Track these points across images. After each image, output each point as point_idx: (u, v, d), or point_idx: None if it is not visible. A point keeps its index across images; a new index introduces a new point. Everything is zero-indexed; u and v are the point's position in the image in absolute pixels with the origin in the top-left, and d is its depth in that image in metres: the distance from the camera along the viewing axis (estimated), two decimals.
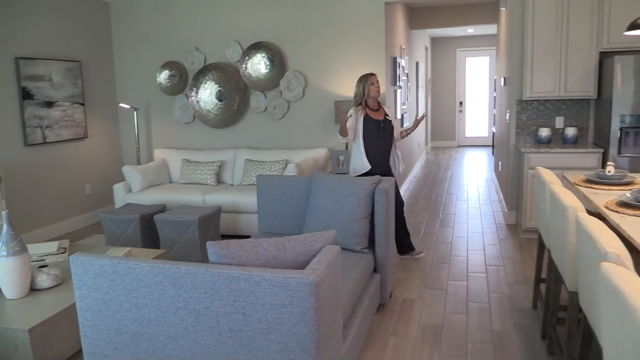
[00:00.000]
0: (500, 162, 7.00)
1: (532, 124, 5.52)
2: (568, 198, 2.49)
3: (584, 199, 2.99)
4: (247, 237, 5.30)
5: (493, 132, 11.31)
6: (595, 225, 2.02)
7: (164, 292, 1.94)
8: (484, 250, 4.88)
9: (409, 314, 3.61)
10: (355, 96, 4.42)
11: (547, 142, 5.31)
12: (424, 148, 11.30)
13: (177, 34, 6.30)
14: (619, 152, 4.75)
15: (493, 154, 11.07)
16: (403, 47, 7.22)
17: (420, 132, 10.00)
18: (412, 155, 8.74)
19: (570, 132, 5.29)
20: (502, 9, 6.41)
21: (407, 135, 4.77)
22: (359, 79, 4.41)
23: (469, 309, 3.64)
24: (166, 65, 6.29)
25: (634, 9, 4.84)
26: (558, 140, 5.45)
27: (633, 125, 4.69)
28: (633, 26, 3.21)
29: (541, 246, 3.53)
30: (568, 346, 2.47)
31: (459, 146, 13.10)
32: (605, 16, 4.91)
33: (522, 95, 5.27)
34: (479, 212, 6.35)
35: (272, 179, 3.86)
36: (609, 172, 3.11)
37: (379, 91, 4.39)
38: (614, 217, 2.40)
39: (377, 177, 3.55)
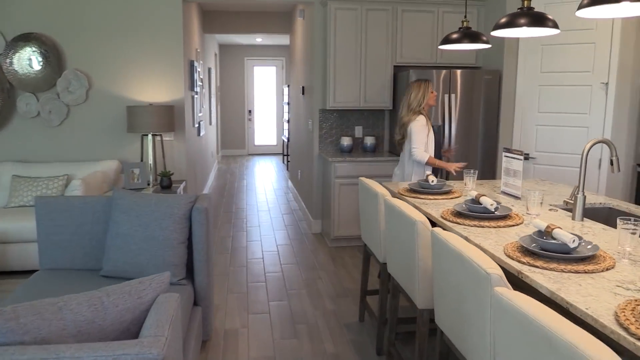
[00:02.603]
0: (299, 171, 7.01)
1: (335, 133, 5.59)
2: (414, 212, 2.39)
3: (415, 210, 2.96)
4: (23, 272, 4.23)
5: (284, 141, 11.51)
6: (457, 242, 1.91)
7: None
8: (297, 263, 4.72)
9: (235, 347, 3.18)
10: (411, 104, 3.93)
11: (349, 151, 5.42)
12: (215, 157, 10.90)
13: None
14: None
15: (284, 162, 11.25)
16: (199, 50, 6.73)
17: (212, 141, 9.57)
18: (206, 164, 8.27)
19: (370, 141, 5.49)
20: (299, 18, 6.42)
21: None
22: (415, 84, 3.95)
23: (298, 332, 3.38)
24: None
25: (423, 28, 5.23)
26: (358, 148, 5.61)
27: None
28: (446, 40, 3.36)
29: (367, 259, 3.46)
30: None
31: (249, 154, 13.04)
32: (398, 33, 5.21)
33: (326, 104, 5.29)
34: (283, 223, 6.22)
35: (57, 201, 3.05)
36: (432, 181, 3.17)
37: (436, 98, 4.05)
38: (459, 229, 2.37)
39: (194, 195, 3.05)
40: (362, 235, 3.41)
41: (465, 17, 3.45)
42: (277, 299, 3.92)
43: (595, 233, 2.32)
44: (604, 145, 4.55)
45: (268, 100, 12.95)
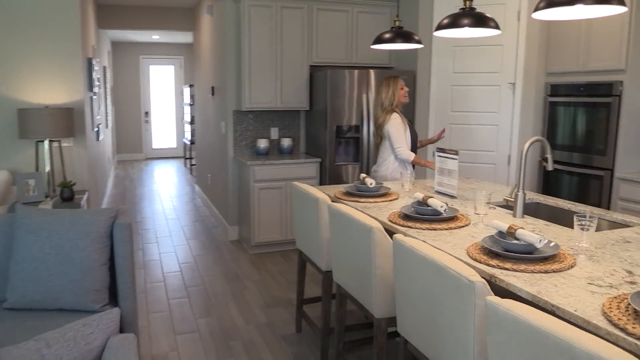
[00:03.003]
0: (209, 175, 6.68)
1: (250, 135, 5.37)
2: (366, 218, 2.28)
3: (366, 215, 2.85)
4: None
5: (185, 143, 10.99)
6: (426, 249, 1.83)
7: None
8: (219, 274, 4.44)
9: None
10: (383, 103, 3.85)
11: (266, 154, 5.24)
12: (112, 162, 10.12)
13: None
14: (335, 162, 5.00)
15: (187, 166, 10.74)
16: (95, 47, 6.15)
17: (109, 145, 8.87)
18: (105, 171, 7.62)
19: (286, 142, 5.34)
20: (206, 15, 6.09)
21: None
22: (384, 83, 3.84)
23: (233, 350, 3.14)
24: None
25: (338, 27, 5.18)
26: (274, 151, 5.44)
27: (345, 136, 5.00)
28: (378, 40, 3.29)
29: (302, 266, 3.31)
30: None
31: (147, 159, 12.30)
32: (313, 32, 5.11)
33: (241, 105, 5.05)
34: (195, 231, 5.88)
35: None
36: (371, 184, 3.09)
37: (407, 95, 3.89)
38: (412, 233, 2.30)
39: (114, 208, 2.71)
40: (297, 243, 3.26)
41: (398, 16, 3.43)
42: (203, 314, 3.64)
43: (541, 229, 2.37)
44: (512, 142, 4.81)
45: (166, 101, 12.30)
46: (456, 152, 3.04)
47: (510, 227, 1.98)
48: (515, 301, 1.42)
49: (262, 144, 5.22)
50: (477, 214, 2.47)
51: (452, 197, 3.07)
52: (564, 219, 2.83)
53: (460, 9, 2.52)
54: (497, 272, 1.80)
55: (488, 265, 1.86)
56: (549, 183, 4.70)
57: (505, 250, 1.95)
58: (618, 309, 1.47)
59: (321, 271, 2.91)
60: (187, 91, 10.34)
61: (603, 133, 4.12)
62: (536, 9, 1.94)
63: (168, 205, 7.27)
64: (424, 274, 1.82)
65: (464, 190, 3.29)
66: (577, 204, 2.96)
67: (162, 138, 12.45)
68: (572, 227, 2.17)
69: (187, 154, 10.70)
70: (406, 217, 2.55)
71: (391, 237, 2.12)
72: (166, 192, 8.27)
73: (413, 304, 1.94)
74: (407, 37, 3.26)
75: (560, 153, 4.55)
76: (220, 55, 5.57)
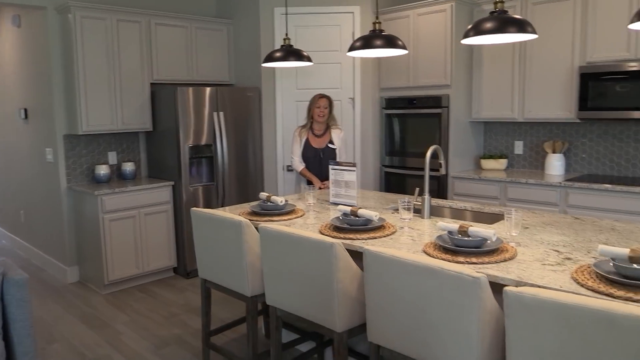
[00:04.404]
0: (22, 212, 5.69)
1: (85, 162, 4.77)
2: (321, 236, 2.30)
3: (316, 233, 2.81)
4: None
5: None
6: (409, 256, 1.96)
7: None
8: (81, 322, 3.86)
9: None
10: (307, 115, 4.13)
11: (107, 181, 4.73)
12: None
13: None
14: (190, 184, 4.77)
15: None
16: None
17: None
18: None
19: (128, 167, 4.90)
20: (11, 25, 5.17)
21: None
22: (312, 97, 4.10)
23: None
24: None
25: (177, 43, 4.95)
26: (115, 177, 4.94)
27: (198, 156, 4.81)
28: (269, 58, 3.27)
29: (207, 297, 3.11)
30: None
31: None
32: (153, 48, 4.80)
33: (77, 129, 4.47)
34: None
35: None
36: (281, 202, 3.06)
37: (323, 116, 4.01)
38: (358, 244, 2.39)
39: None
40: (201, 272, 3.05)
41: (287, 35, 3.46)
42: None
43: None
44: (355, 151, 5.24)
45: None
46: (353, 165, 3.23)
47: (461, 226, 2.23)
48: (533, 287, 1.64)
49: (103, 170, 4.70)
50: (403, 219, 2.68)
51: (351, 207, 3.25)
52: (461, 217, 3.24)
53: (371, 30, 2.71)
54: (467, 269, 2.02)
55: (457, 262, 2.07)
56: (390, 184, 5.24)
57: (457, 245, 2.19)
58: (584, 275, 1.81)
59: (244, 297, 2.80)
60: None
61: (436, 139, 4.78)
62: (465, 37, 2.23)
63: None
64: (412, 279, 1.93)
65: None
66: (465, 203, 3.41)
67: None
68: (479, 221, 2.53)
69: None
70: (338, 229, 2.63)
71: None
72: None
73: (393, 310, 2.03)
74: (298, 56, 3.33)
75: (400, 158, 5.12)
76: (37, 73, 4.82)
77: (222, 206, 4.86)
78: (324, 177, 4.03)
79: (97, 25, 4.45)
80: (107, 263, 4.38)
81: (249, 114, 5.11)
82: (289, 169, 5.18)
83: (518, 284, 1.86)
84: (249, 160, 5.16)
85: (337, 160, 4.08)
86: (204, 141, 4.81)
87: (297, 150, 4.08)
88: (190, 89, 4.67)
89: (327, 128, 4.17)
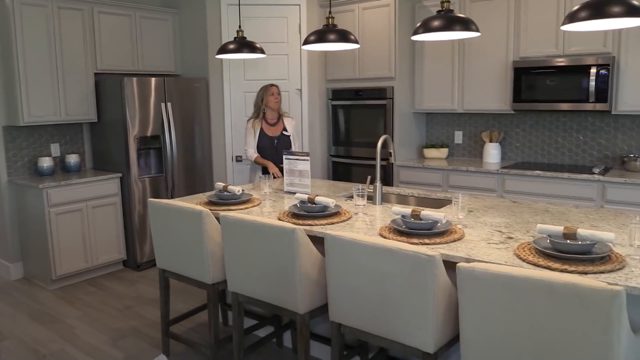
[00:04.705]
0: None
1: (26, 154, 4.61)
2: (282, 223, 2.41)
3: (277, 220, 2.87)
4: None
5: None
6: (372, 239, 2.10)
7: None
8: (30, 320, 3.76)
9: None
10: (254, 106, 4.21)
11: (51, 174, 4.60)
12: None
13: None
14: (139, 175, 4.72)
15: None
16: None
17: None
18: None
19: (72, 159, 4.78)
20: None
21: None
22: (260, 88, 4.17)
23: None
24: None
25: (121, 32, 4.86)
26: (59, 169, 4.80)
27: (147, 147, 4.77)
28: (223, 50, 3.30)
29: (166, 287, 3.14)
30: None
31: None
32: (97, 36, 4.69)
33: (17, 120, 4.31)
34: None
35: None
36: (239, 191, 3.13)
37: (278, 102, 4.13)
38: (317, 229, 2.52)
39: None
40: (159, 263, 3.08)
41: (240, 27, 3.49)
42: None
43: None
44: (303, 141, 5.35)
45: None
46: (307, 154, 3.34)
47: (413, 210, 2.40)
48: (482, 262, 1.82)
49: (46, 162, 4.56)
50: (357, 205, 2.83)
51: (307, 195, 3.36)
52: (409, 202, 3.43)
53: (324, 25, 2.81)
54: (422, 249, 2.19)
55: (412, 243, 2.23)
56: (337, 173, 5.40)
57: (411, 228, 2.36)
58: (525, 251, 2.02)
59: (205, 285, 2.86)
60: None
61: (381, 130, 4.98)
62: (414, 34, 2.38)
63: None
64: (372, 260, 2.08)
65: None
66: (412, 190, 3.61)
67: None
68: (425, 207, 2.72)
69: None
70: (297, 215, 2.74)
71: None
72: None
73: (354, 290, 2.17)
74: (251, 48, 3.39)
75: (346, 148, 5.29)
76: None
77: (171, 197, 4.85)
78: (280, 163, 4.13)
79: (38, 13, 4.30)
80: (55, 258, 4.28)
81: (196, 105, 5.11)
82: (239, 159, 5.23)
83: (468, 261, 2.04)
84: (198, 151, 5.16)
85: (293, 147, 4.22)
86: (152, 132, 4.77)
87: (252, 142, 4.14)
88: (137, 79, 4.61)
89: (280, 116, 4.26)
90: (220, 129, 5.23)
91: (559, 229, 2.04)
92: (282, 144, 4.17)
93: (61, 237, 4.31)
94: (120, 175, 4.70)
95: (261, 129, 4.18)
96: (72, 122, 4.67)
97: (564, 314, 1.62)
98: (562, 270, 1.85)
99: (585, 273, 1.83)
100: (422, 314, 1.99)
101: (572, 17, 2.14)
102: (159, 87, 4.77)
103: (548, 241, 2.06)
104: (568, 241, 2.00)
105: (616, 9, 2.02)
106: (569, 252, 1.95)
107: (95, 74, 4.75)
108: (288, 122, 4.30)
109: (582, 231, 2.00)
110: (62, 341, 3.42)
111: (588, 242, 1.98)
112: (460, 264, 1.83)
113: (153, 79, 4.72)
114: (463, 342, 1.88)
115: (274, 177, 4.05)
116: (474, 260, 2.03)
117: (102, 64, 4.77)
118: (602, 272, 1.83)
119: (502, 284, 1.72)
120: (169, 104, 4.85)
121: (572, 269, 1.86)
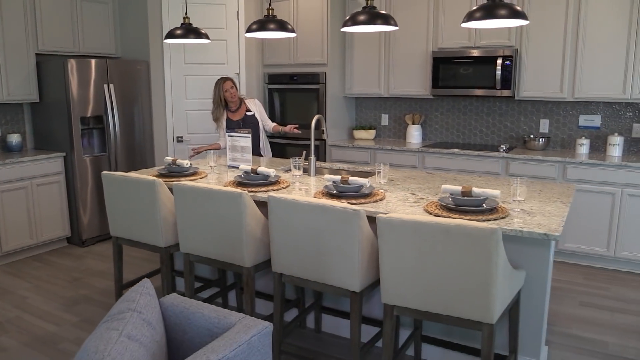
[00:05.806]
0: None
1: None
2: (231, 189, 2.76)
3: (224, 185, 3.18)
4: None
5: None
6: (306, 199, 2.51)
7: None
8: None
9: None
10: (213, 103, 4.44)
11: None
12: None
13: None
14: (82, 154, 4.87)
15: None
16: None
17: None
18: None
19: (14, 139, 4.86)
20: None
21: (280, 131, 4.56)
22: (215, 84, 4.40)
23: (71, 351, 3.07)
24: None
25: (63, 12, 4.95)
26: (0, 149, 4.87)
27: (90, 127, 4.92)
28: (170, 35, 3.54)
29: (119, 252, 3.41)
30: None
31: None
32: (37, 18, 4.77)
33: None
34: None
35: None
36: (187, 164, 3.43)
37: (235, 95, 4.37)
38: (261, 195, 2.89)
39: None
40: (112, 231, 3.34)
41: (186, 14, 3.74)
42: (1, 333, 3.30)
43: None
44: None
45: None
46: (249, 132, 3.69)
47: (342, 177, 2.82)
48: (396, 213, 2.27)
49: None
50: (294, 175, 3.22)
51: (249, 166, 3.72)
52: (340, 174, 3.85)
53: (265, 15, 3.16)
54: (349, 206, 2.62)
55: (341, 203, 2.66)
56: (272, 152, 5.76)
57: (342, 192, 2.78)
58: (432, 208, 2.50)
59: (158, 248, 3.17)
60: None
61: (314, 112, 5.38)
62: (343, 26, 2.79)
63: None
64: (309, 216, 2.48)
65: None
66: (342, 164, 4.03)
67: None
68: (359, 177, 3.16)
69: None
70: (241, 184, 3.10)
71: None
72: None
73: (293, 243, 2.57)
74: (197, 33, 3.67)
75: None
76: None
77: None
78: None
79: None
80: (0, 234, 4.39)
81: (138, 87, 5.29)
82: (179, 139, 5.48)
83: (388, 215, 2.50)
84: (139, 131, 5.35)
85: (260, 123, 4.53)
86: (95, 113, 4.93)
87: (223, 133, 4.40)
88: (79, 60, 4.74)
89: (241, 101, 4.52)
90: (162, 110, 5.44)
91: (458, 188, 2.53)
92: (247, 124, 4.44)
93: (6, 214, 4.42)
94: (64, 154, 4.83)
95: (227, 118, 4.46)
96: (13, 102, 4.74)
97: (457, 249, 2.09)
98: (458, 218, 2.33)
99: (477, 221, 2.32)
100: (350, 259, 2.42)
101: (470, 17, 2.62)
102: (101, 69, 4.93)
103: (450, 198, 2.55)
104: (465, 198, 2.49)
105: (503, 11, 2.52)
106: (465, 205, 2.44)
107: (37, 54, 4.83)
108: (251, 103, 4.55)
109: (476, 189, 2.50)
110: (16, 310, 3.61)
111: (481, 197, 2.48)
112: (380, 215, 2.27)
113: (94, 61, 4.87)
114: (382, 278, 2.33)
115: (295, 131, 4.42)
116: (390, 215, 2.48)
117: (44, 45, 4.86)
118: (489, 220, 2.34)
119: (411, 229, 2.18)
120: (111, 85, 5.02)
121: (467, 218, 2.35)
